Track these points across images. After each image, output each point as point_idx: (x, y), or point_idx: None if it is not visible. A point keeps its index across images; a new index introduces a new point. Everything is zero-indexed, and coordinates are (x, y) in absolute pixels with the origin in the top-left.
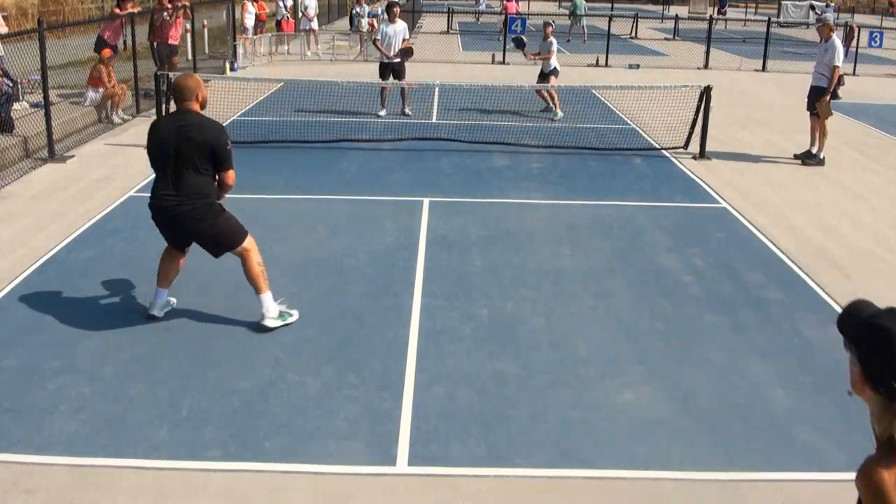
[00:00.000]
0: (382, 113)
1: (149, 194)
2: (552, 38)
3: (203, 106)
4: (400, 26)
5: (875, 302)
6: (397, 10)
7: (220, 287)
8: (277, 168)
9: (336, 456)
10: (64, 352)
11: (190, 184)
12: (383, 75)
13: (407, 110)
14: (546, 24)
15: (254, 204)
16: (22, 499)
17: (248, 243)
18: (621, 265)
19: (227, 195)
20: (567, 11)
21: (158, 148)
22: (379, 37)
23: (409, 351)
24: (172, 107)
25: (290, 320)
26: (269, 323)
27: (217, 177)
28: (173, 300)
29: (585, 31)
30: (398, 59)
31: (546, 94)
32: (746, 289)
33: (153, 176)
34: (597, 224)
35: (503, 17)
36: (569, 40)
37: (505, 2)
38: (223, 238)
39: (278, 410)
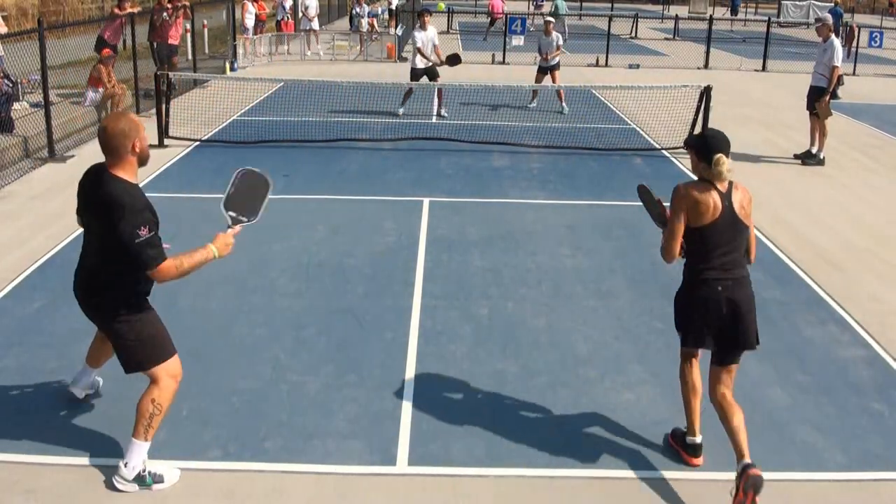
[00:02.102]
0: (401, 111)
1: (147, 194)
2: (556, 34)
3: (142, 160)
4: (431, 32)
5: (875, 302)
6: (427, 17)
7: (220, 287)
8: (277, 168)
9: (336, 456)
10: (64, 352)
11: (98, 273)
12: (415, 80)
13: (443, 112)
14: (547, 22)
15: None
16: (22, 499)
17: (156, 372)
18: (621, 265)
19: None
20: (540, 11)
21: (84, 217)
22: (419, 44)
23: (409, 351)
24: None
25: (155, 487)
26: (117, 481)
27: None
28: (100, 380)
29: (566, 30)
30: (433, 64)
31: (562, 92)
32: None
33: (152, 175)
34: (597, 224)
35: (489, 16)
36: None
37: (491, 1)
38: (123, 354)
39: (278, 410)
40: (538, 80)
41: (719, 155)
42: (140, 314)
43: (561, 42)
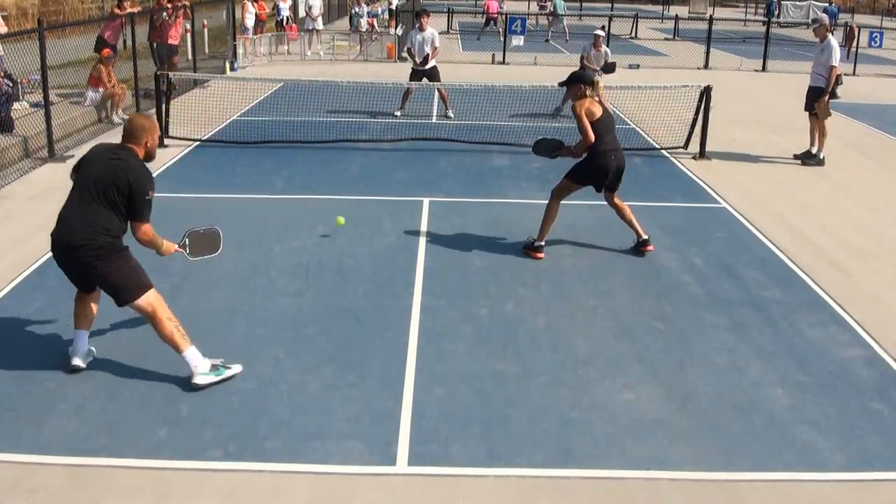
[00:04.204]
0: (398, 113)
1: None
2: (606, 49)
3: (149, 156)
4: (428, 33)
5: (875, 302)
6: (425, 18)
7: (220, 287)
8: (277, 168)
9: (336, 456)
10: (64, 352)
11: (96, 216)
12: (415, 79)
13: (450, 113)
14: (597, 36)
15: (254, 204)
16: (22, 499)
17: (147, 301)
18: (621, 265)
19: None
20: (546, 11)
21: (82, 171)
22: (409, 44)
23: (409, 351)
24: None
25: (226, 374)
26: (199, 381)
27: (130, 224)
28: (93, 349)
29: (567, 31)
30: (429, 67)
31: None
32: (746, 289)
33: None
34: (597, 224)
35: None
36: (547, 40)
37: (487, 1)
38: (116, 286)
39: (278, 410)
40: None
41: (597, 79)
42: (124, 253)
43: (609, 57)
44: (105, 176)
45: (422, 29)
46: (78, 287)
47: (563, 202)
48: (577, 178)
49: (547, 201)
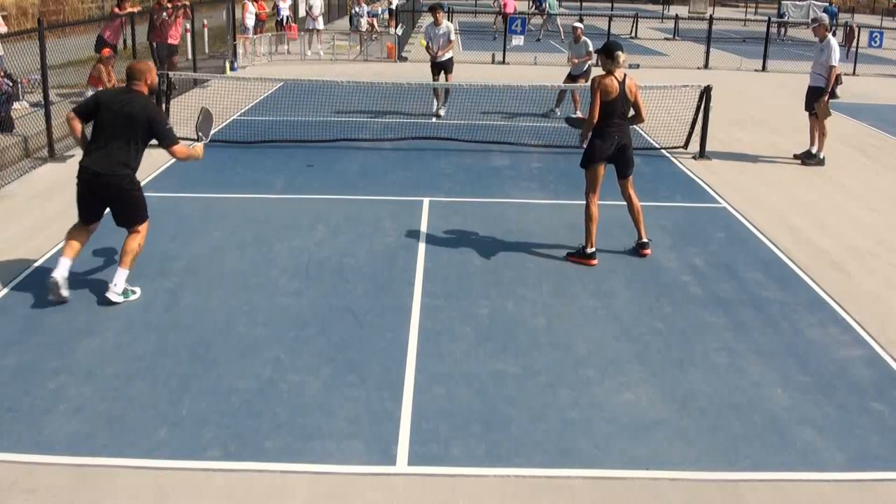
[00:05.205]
0: (442, 112)
1: (148, 193)
2: (586, 40)
3: (151, 90)
4: (444, 28)
5: (875, 302)
6: (441, 13)
7: (220, 286)
8: (277, 168)
9: (336, 456)
10: (64, 352)
11: (119, 152)
12: (435, 73)
13: (441, 112)
14: (575, 28)
15: (254, 204)
16: (22, 499)
17: (145, 226)
18: (621, 265)
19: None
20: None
21: (101, 115)
22: (427, 39)
23: (409, 351)
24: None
25: (132, 297)
26: (112, 296)
27: (167, 150)
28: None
29: (562, 29)
30: (446, 58)
31: (577, 96)
32: (746, 289)
33: (152, 175)
34: (597, 224)
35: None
36: (538, 39)
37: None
38: (135, 212)
39: (278, 410)
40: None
41: (617, 52)
42: (140, 187)
43: (591, 48)
44: (123, 118)
45: (437, 24)
46: (85, 216)
47: (557, 201)
48: (590, 159)
49: (549, 202)
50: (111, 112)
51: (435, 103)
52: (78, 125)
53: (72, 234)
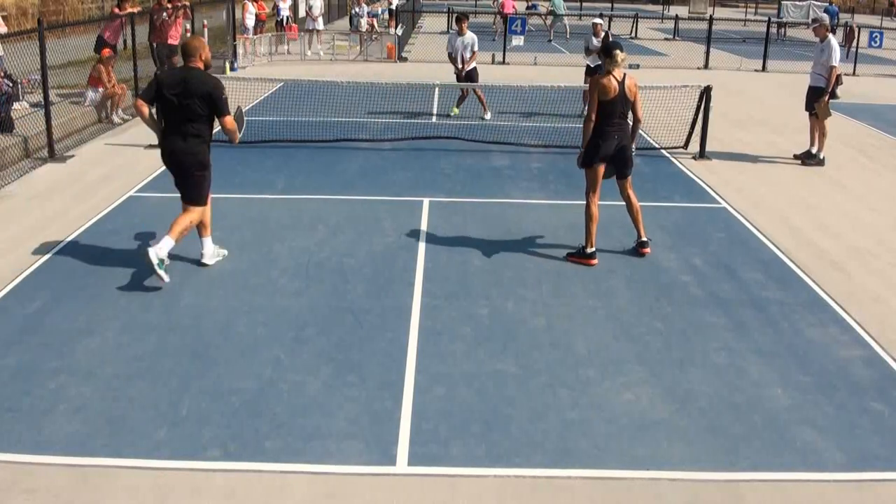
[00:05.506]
0: (456, 111)
1: (147, 194)
2: (606, 34)
3: (206, 66)
4: (468, 38)
5: (875, 302)
6: (465, 22)
7: (220, 286)
8: (277, 168)
9: (336, 456)
10: (64, 352)
11: (190, 127)
12: (460, 81)
13: (486, 116)
14: (595, 24)
15: (254, 204)
16: (22, 499)
17: (199, 210)
18: (621, 265)
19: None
20: (536, 11)
21: (166, 98)
22: (450, 50)
23: (409, 351)
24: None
25: (160, 272)
26: (150, 253)
27: (217, 120)
28: (224, 251)
29: (568, 29)
30: (469, 69)
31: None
32: (746, 289)
33: (152, 175)
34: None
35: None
36: (550, 40)
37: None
38: (194, 191)
39: (278, 410)
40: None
41: (616, 51)
42: (209, 169)
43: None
44: (187, 96)
45: (461, 33)
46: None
47: (557, 201)
48: (590, 159)
49: (549, 202)
50: (173, 91)
51: (457, 103)
52: (146, 109)
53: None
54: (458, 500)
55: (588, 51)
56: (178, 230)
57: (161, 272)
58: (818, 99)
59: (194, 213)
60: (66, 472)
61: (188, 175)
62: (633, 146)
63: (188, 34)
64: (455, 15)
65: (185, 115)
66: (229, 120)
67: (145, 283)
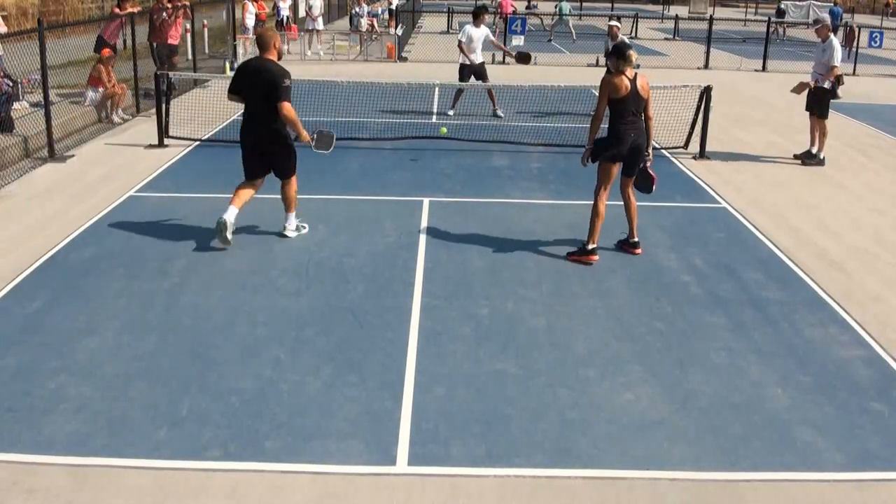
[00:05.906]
0: (451, 112)
1: (147, 194)
2: (622, 38)
3: (280, 55)
4: (484, 31)
5: (875, 302)
6: (484, 15)
7: (220, 287)
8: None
9: (336, 456)
10: (64, 352)
11: (270, 114)
12: (463, 77)
13: (499, 112)
14: (611, 26)
15: (254, 204)
16: (22, 499)
17: (294, 178)
18: (621, 265)
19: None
20: (551, 12)
21: (246, 87)
22: (464, 39)
23: (409, 351)
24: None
25: (303, 232)
26: (288, 233)
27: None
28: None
29: (572, 31)
30: (480, 62)
31: None
32: (746, 289)
33: (152, 175)
34: None
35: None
36: (550, 40)
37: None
38: (285, 167)
39: (278, 410)
40: None
41: (629, 52)
42: (293, 147)
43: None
44: (262, 85)
45: (478, 25)
46: (250, 174)
47: (557, 201)
48: (608, 157)
49: (549, 202)
50: (250, 81)
51: (452, 103)
52: (237, 100)
53: (239, 188)
54: (458, 500)
55: (608, 53)
56: (291, 203)
57: (303, 232)
58: (819, 99)
59: (293, 184)
60: (67, 472)
61: (275, 154)
62: (650, 151)
63: (188, 34)
64: (475, 6)
65: (263, 101)
66: (286, 106)
67: (145, 283)
